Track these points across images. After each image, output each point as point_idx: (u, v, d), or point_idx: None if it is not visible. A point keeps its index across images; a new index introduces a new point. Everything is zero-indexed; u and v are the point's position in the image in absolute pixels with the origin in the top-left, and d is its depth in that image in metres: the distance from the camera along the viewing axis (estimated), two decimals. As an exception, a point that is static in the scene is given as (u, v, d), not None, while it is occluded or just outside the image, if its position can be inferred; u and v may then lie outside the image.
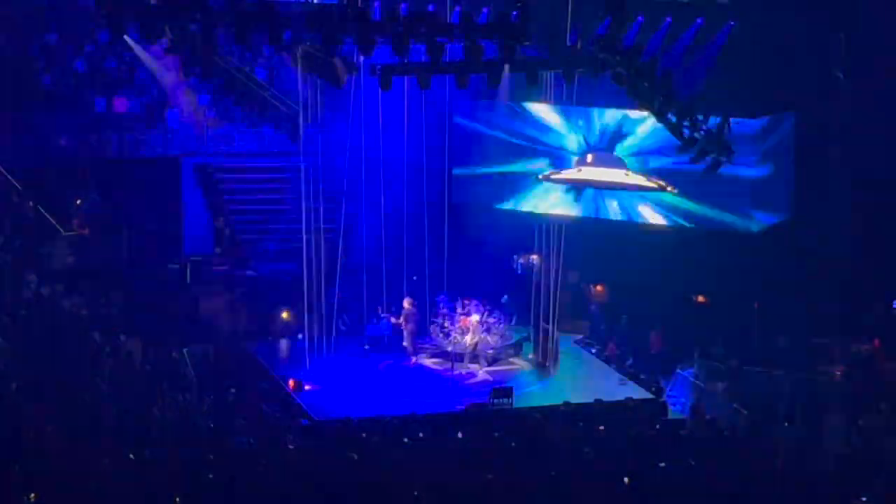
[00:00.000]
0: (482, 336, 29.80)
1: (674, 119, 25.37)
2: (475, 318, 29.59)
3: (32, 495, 20.37)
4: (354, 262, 30.98)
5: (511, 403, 27.06)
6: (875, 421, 25.64)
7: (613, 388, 28.47)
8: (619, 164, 30.87)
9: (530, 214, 31.27)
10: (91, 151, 33.93)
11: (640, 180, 30.60)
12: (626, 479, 21.34)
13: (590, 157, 31.09)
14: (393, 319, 30.51)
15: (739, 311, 31.17)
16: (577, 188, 31.51)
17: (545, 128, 31.16)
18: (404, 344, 30.38)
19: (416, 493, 20.52)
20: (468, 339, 29.44)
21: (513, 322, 31.02)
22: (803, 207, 30.89)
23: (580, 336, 32.19)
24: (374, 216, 30.50)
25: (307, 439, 24.61)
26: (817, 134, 31.34)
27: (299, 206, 29.44)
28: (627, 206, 30.83)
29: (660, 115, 25.89)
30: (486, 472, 21.40)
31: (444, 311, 30.42)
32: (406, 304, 30.31)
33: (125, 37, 29.22)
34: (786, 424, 25.28)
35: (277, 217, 33.37)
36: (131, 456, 21.80)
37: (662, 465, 21.95)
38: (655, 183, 30.58)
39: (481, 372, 29.61)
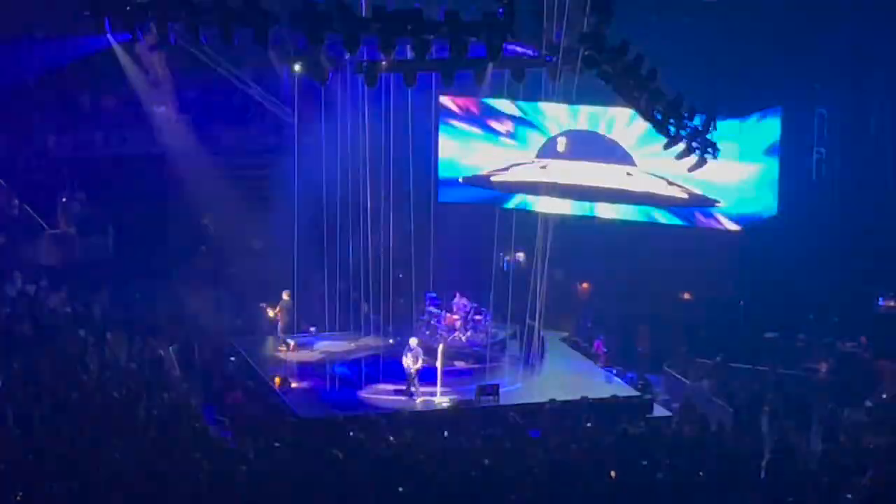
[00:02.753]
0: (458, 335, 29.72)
1: (659, 116, 25.34)
2: (414, 340, 28.25)
3: (19, 495, 20.38)
4: (340, 260, 30.92)
5: (497, 401, 27.04)
6: (860, 418, 25.73)
7: (599, 385, 28.47)
8: (613, 153, 28.18)
9: (517, 211, 31.17)
10: (76, 148, 33.85)
11: (656, 185, 27.61)
12: (612, 473, 21.36)
13: (562, 144, 28.43)
14: (270, 312, 30.20)
15: (725, 308, 31.24)
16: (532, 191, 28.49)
17: (530, 125, 31.11)
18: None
19: (400, 489, 20.53)
20: (411, 364, 27.82)
21: (491, 319, 30.79)
22: (789, 205, 30.94)
23: (566, 333, 32.20)
24: (360, 213, 30.44)
25: (293, 437, 24.62)
26: (803, 132, 31.42)
27: (284, 204, 29.43)
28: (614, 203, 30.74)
29: (645, 113, 25.87)
30: (471, 470, 21.40)
31: (431, 308, 30.40)
32: (285, 295, 30.14)
33: (108, 35, 29.19)
34: (771, 421, 25.32)
35: (264, 215, 33.30)
36: (116, 455, 21.76)
37: (644, 462, 21.97)
38: (684, 192, 27.66)
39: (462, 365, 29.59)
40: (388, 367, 28.49)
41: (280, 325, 30.31)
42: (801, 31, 30.69)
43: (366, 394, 27.88)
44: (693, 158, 25.60)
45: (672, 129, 25.33)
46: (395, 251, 30.01)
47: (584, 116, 30.23)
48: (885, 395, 26.73)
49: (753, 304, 31.26)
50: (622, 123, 29.72)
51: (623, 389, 28.22)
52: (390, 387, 28.08)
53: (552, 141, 29.11)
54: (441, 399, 27.59)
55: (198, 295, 31.91)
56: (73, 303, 30.72)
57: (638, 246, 31.13)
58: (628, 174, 29.03)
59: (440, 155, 32.17)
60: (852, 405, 26.42)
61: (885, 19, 30.40)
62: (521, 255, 31.07)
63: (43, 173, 33.38)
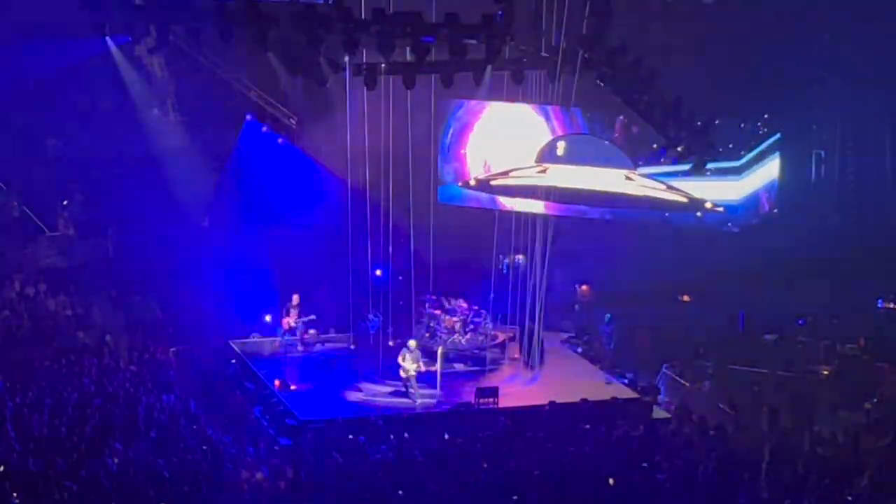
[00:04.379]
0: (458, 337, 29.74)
1: (659, 118, 25.35)
2: (413, 342, 28.08)
3: (15, 495, 20.40)
4: (340, 263, 30.92)
5: (496, 403, 27.02)
6: (860, 420, 25.74)
7: (599, 387, 28.44)
8: (612, 156, 27.96)
9: (516, 213, 31.10)
10: (76, 151, 33.86)
11: (655, 189, 27.32)
12: (610, 481, 21.35)
13: (561, 147, 28.00)
14: (292, 321, 30.18)
15: (725, 310, 31.22)
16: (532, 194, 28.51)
17: (530, 128, 31.00)
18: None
19: (400, 492, 20.55)
20: (410, 366, 27.66)
21: (491, 322, 30.72)
22: (789, 206, 30.94)
23: (565, 335, 32.18)
24: (358, 214, 30.45)
25: (292, 439, 24.65)
26: (803, 134, 31.44)
27: (284, 206, 29.45)
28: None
29: (645, 115, 25.87)
30: (471, 473, 21.41)
31: (431, 311, 30.39)
32: (295, 299, 30.09)
33: (107, 38, 29.21)
34: (771, 423, 25.33)
35: (263, 217, 33.31)
36: (115, 460, 21.76)
37: (644, 464, 21.98)
38: (683, 196, 27.49)
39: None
40: (387, 368, 28.50)
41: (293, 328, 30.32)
42: (801, 33, 30.72)
43: (365, 396, 27.88)
44: (692, 160, 25.64)
45: (671, 131, 25.35)
46: (395, 253, 30.03)
47: (584, 119, 30.19)
48: (875, 400, 26.71)
49: (753, 306, 31.25)
50: (622, 126, 29.70)
51: (623, 392, 28.20)
52: (389, 389, 28.09)
53: (552, 145, 29.10)
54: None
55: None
56: (73, 305, 30.71)
57: (638, 247, 31.10)
58: (628, 178, 29.01)
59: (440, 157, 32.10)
60: (851, 407, 26.43)
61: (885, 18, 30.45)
62: (520, 257, 31.03)
63: (42, 176, 33.36)
